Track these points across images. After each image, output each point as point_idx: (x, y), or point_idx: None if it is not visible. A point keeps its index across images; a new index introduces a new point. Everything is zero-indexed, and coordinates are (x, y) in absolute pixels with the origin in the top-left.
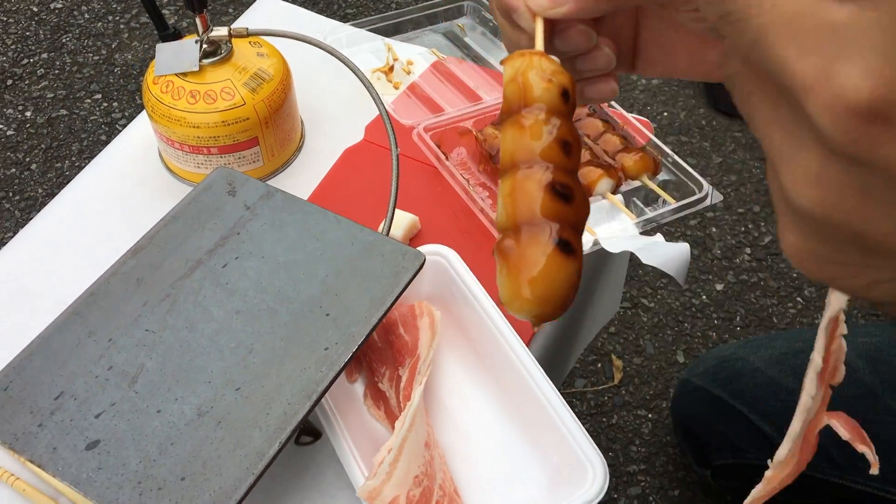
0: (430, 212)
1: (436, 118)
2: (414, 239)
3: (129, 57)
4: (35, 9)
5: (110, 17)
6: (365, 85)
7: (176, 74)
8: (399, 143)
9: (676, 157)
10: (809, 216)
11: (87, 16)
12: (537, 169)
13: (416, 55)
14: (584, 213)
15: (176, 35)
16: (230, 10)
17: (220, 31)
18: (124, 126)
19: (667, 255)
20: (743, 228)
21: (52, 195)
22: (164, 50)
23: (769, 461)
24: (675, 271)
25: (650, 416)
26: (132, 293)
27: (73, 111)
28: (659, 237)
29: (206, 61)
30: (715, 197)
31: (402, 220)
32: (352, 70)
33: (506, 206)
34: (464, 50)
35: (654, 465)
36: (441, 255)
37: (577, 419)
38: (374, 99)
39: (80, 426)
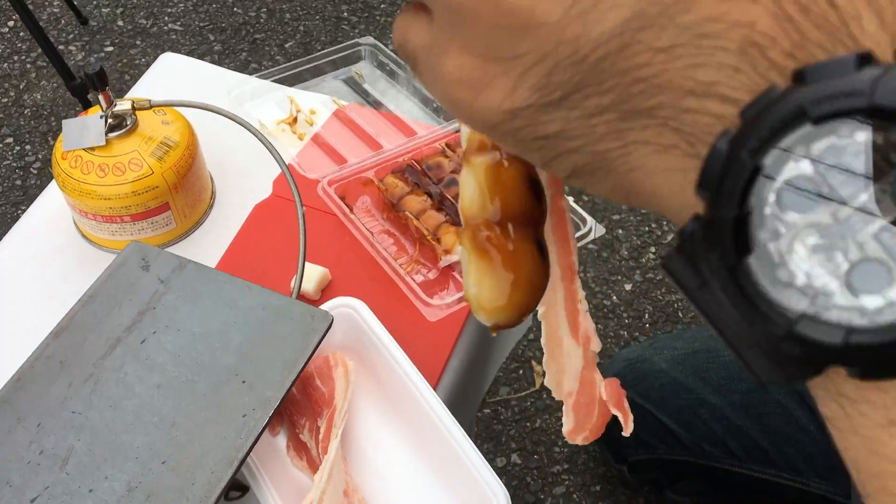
0: (340, 262)
1: (339, 170)
2: (326, 290)
3: (39, 97)
4: None
5: (16, 57)
6: (266, 146)
7: (84, 149)
8: (306, 196)
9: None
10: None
11: None
12: (521, 163)
13: (319, 104)
14: (545, 215)
15: (83, 86)
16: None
17: (123, 105)
18: (38, 169)
19: None
20: (647, 228)
21: None
22: (70, 126)
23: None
24: None
25: None
26: (56, 376)
27: None
28: None
29: (112, 135)
30: (598, 230)
31: (313, 274)
32: (252, 132)
33: (484, 193)
34: (363, 96)
35: (576, 464)
36: (351, 307)
37: (481, 455)
38: (275, 158)
39: None
